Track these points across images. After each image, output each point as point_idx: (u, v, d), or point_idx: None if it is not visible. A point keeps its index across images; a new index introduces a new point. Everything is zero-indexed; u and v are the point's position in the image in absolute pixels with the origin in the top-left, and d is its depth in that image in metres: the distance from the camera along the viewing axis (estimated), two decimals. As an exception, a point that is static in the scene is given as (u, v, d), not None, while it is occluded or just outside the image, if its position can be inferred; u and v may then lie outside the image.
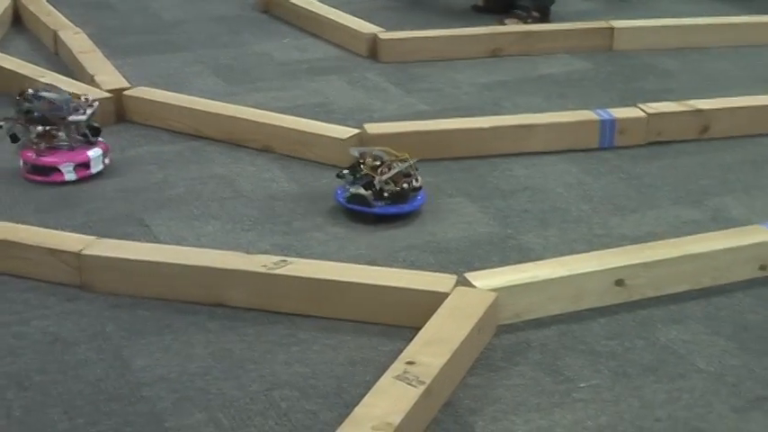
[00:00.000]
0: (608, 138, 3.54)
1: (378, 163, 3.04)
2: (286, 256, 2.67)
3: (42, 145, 3.26)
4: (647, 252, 2.69)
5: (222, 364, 2.36)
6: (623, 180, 3.31)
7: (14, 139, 3.33)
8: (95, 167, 3.29)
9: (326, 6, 4.85)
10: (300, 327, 2.50)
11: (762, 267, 2.75)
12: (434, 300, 2.44)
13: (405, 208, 3.04)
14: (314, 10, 4.82)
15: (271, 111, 3.60)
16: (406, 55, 4.40)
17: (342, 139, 3.36)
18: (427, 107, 3.89)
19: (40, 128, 3.27)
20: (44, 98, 3.31)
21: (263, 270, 2.56)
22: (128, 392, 2.25)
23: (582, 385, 2.31)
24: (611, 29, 4.57)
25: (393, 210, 3.02)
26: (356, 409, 2.07)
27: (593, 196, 3.21)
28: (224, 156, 3.43)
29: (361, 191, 3.01)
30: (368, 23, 4.60)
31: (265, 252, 2.78)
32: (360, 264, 2.74)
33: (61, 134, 3.28)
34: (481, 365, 2.37)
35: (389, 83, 4.15)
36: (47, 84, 3.50)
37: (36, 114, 3.30)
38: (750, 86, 4.08)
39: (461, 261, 2.80)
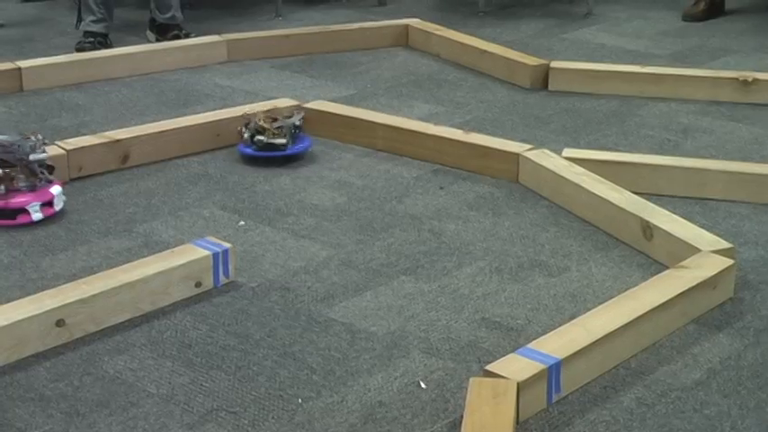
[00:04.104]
0: (30, 179, 3.48)
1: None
2: None
3: (2, 188, 3.21)
4: (83, 287, 2.67)
5: None
6: (50, 219, 3.27)
7: None
8: (58, 205, 3.27)
9: None
10: None
11: (197, 284, 2.84)
12: None
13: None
14: None
15: None
16: None
17: None
18: None
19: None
20: (10, 143, 3.27)
21: None
22: None
23: (34, 433, 2.26)
24: (19, 69, 4.49)
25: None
26: None
27: (23, 240, 3.14)
28: None
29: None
30: None
31: None
32: None
33: (21, 175, 3.24)
34: (-75, 435, 2.25)
35: None
36: None
37: None
38: (162, 112, 4.18)
39: None
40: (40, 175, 3.30)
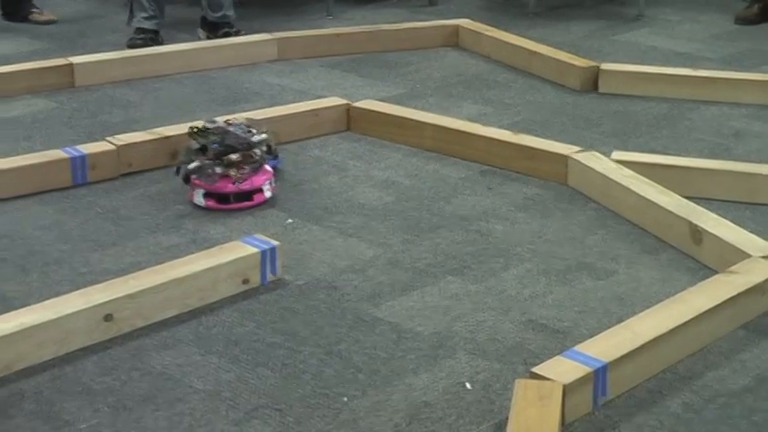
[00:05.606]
0: (81, 174, 3.51)
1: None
2: None
3: (235, 173, 3.32)
4: (131, 283, 2.69)
5: None
6: (100, 215, 3.30)
7: (187, 180, 3.38)
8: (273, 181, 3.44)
9: None
10: None
11: (245, 281, 2.85)
12: None
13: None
14: None
15: None
16: None
17: None
18: None
19: (233, 156, 3.33)
20: (226, 129, 3.41)
21: None
22: None
23: (82, 426, 2.27)
24: (71, 65, 4.52)
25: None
26: None
27: (73, 235, 3.16)
28: None
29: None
30: None
31: None
32: None
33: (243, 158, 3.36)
34: (-26, 426, 2.27)
35: None
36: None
37: (221, 147, 3.36)
38: (211, 109, 4.19)
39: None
40: (256, 156, 3.40)
